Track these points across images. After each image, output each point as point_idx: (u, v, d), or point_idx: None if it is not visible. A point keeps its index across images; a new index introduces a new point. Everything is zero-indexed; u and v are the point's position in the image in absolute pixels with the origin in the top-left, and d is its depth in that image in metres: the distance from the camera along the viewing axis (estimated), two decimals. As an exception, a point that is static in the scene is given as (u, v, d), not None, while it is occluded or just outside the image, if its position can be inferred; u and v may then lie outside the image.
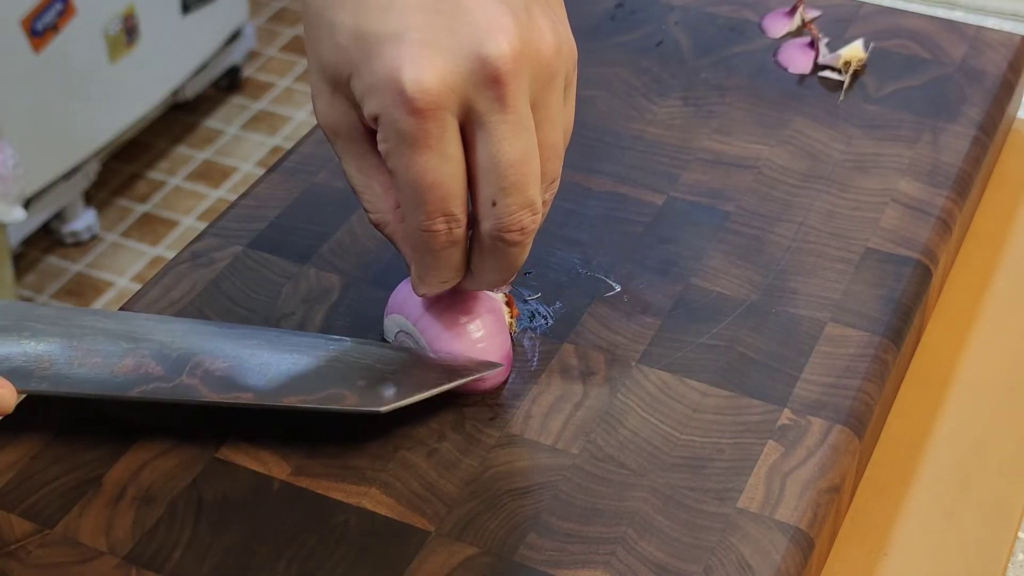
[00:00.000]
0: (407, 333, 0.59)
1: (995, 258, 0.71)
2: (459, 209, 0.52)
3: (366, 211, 0.56)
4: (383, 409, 0.55)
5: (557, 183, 0.54)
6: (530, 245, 0.54)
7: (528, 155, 0.51)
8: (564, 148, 0.54)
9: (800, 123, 0.72)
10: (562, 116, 0.53)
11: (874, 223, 0.66)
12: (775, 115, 0.73)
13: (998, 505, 0.59)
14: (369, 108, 0.51)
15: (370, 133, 0.54)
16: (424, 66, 0.49)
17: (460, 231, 0.52)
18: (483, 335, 0.58)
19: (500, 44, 0.49)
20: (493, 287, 0.56)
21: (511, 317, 0.60)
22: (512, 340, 0.60)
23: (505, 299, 0.60)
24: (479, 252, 0.54)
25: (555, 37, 0.51)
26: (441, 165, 0.51)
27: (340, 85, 0.53)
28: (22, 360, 0.55)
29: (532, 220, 0.52)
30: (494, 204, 0.52)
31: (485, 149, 0.51)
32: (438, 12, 0.50)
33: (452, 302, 0.58)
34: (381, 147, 0.51)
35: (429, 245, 0.53)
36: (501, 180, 0.51)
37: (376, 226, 0.56)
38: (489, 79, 0.50)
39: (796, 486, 0.54)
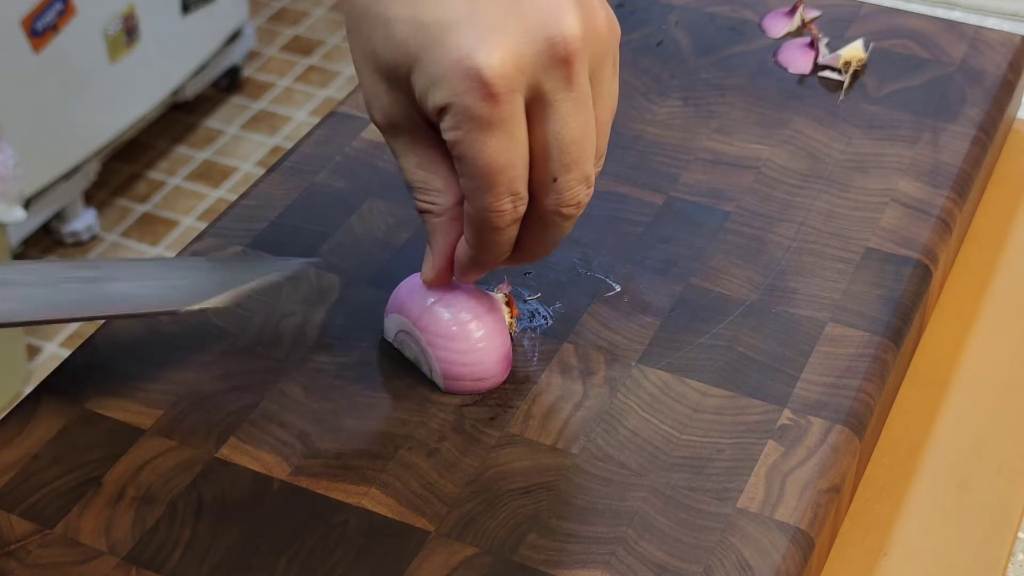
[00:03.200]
0: (407, 333, 0.59)
1: (995, 258, 0.71)
2: (524, 188, 0.52)
3: (425, 205, 0.55)
4: (182, 309, 0.57)
5: (603, 158, 0.55)
6: (572, 225, 0.54)
7: (588, 132, 0.52)
8: (611, 124, 0.55)
9: (800, 123, 0.72)
10: (612, 93, 0.54)
11: (874, 223, 0.66)
12: (775, 115, 0.73)
13: (998, 505, 0.59)
14: (436, 99, 0.51)
15: (431, 127, 0.54)
16: (495, 50, 0.49)
17: (523, 208, 0.53)
18: (483, 335, 0.58)
19: (570, 23, 0.50)
20: (536, 259, 0.56)
21: (511, 317, 0.60)
22: (512, 340, 0.60)
23: (505, 299, 0.60)
24: (532, 228, 0.54)
25: (607, 14, 0.52)
26: (513, 147, 0.51)
27: (398, 80, 0.52)
28: None
29: (587, 194, 0.53)
30: (555, 180, 0.52)
31: (550, 127, 0.51)
32: None
33: (452, 301, 0.58)
34: (451, 135, 0.51)
35: (494, 224, 0.53)
36: (563, 156, 0.52)
37: (428, 217, 0.56)
38: (559, 59, 0.50)
39: (796, 486, 0.54)
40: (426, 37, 0.50)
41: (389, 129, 0.55)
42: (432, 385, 0.58)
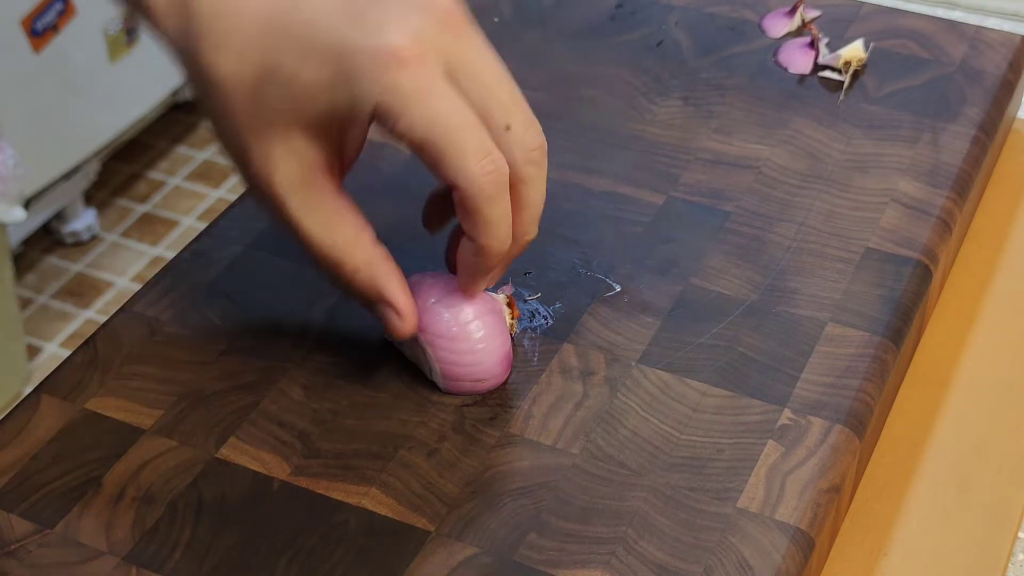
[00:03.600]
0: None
1: (995, 258, 0.71)
2: (492, 145, 0.53)
3: (334, 270, 0.56)
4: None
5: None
6: (545, 177, 0.55)
7: (506, 73, 0.54)
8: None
9: (800, 123, 0.72)
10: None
11: (874, 223, 0.66)
12: (775, 115, 0.73)
13: (998, 505, 0.59)
14: (366, 99, 0.51)
15: (329, 171, 0.55)
16: (392, 29, 0.51)
17: (506, 169, 0.53)
18: (484, 335, 0.58)
19: None
20: (528, 236, 0.56)
21: (512, 318, 0.60)
22: (512, 340, 0.60)
23: (506, 300, 0.60)
24: (512, 196, 0.54)
25: None
26: (457, 105, 0.52)
27: (304, 121, 0.53)
28: None
29: (543, 137, 0.54)
30: (508, 128, 0.53)
31: (474, 81, 0.53)
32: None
33: (453, 302, 0.58)
34: (398, 125, 0.51)
35: (488, 192, 0.53)
36: (499, 100, 0.53)
37: (347, 284, 0.56)
38: (439, 19, 0.52)
39: (796, 486, 0.54)
40: (326, 58, 0.52)
41: (287, 188, 0.54)
42: (432, 385, 0.58)
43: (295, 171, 0.54)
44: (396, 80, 0.51)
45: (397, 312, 0.56)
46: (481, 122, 0.53)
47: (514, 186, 0.54)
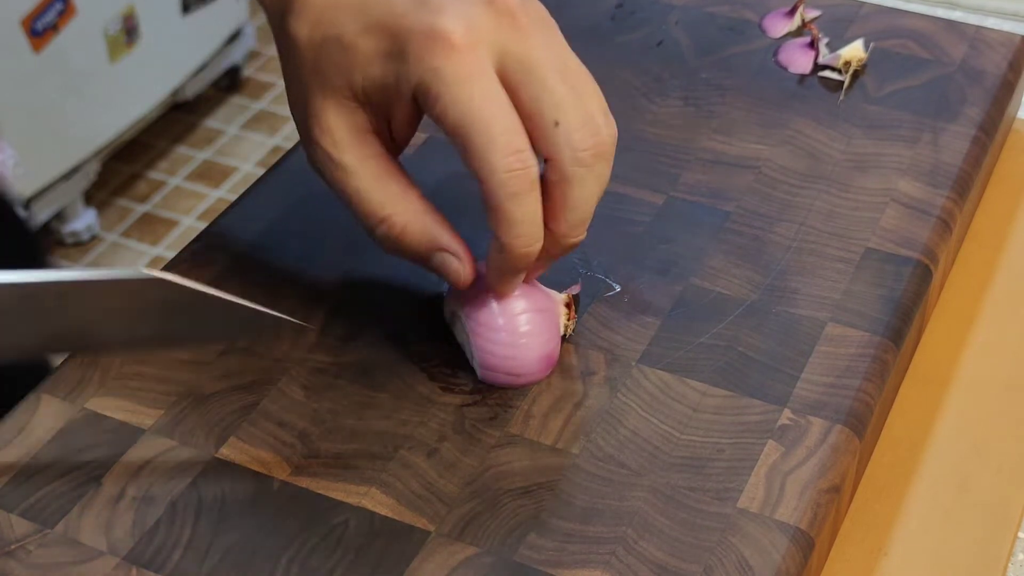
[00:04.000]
0: (458, 315, 0.59)
1: (995, 258, 0.71)
2: (525, 143, 0.53)
3: (384, 219, 0.56)
4: None
5: (612, 119, 0.55)
6: (602, 179, 0.55)
7: (563, 71, 0.54)
8: (592, 80, 0.56)
9: (800, 123, 0.72)
10: (576, 56, 0.55)
11: (874, 223, 0.66)
12: (775, 115, 0.73)
13: (998, 505, 0.59)
14: (411, 78, 0.53)
15: (380, 136, 0.56)
16: (448, 14, 0.52)
17: (535, 169, 0.53)
18: (528, 330, 0.57)
19: None
20: (574, 239, 0.56)
21: (568, 319, 0.59)
22: (563, 342, 0.59)
23: (566, 300, 0.59)
24: (556, 194, 0.54)
25: None
26: (493, 97, 0.52)
27: (375, 94, 0.55)
28: None
29: (600, 139, 0.54)
30: (557, 124, 0.53)
31: (526, 75, 0.53)
32: None
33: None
34: (435, 108, 0.52)
35: (510, 190, 0.53)
36: (551, 95, 0.53)
37: (399, 233, 0.56)
38: (503, 12, 0.53)
39: (796, 486, 0.54)
40: (384, 32, 0.53)
41: (339, 146, 0.56)
42: (432, 385, 0.58)
43: (347, 130, 0.56)
44: (440, 63, 0.52)
45: (456, 255, 0.56)
46: (519, 120, 0.53)
47: (557, 184, 0.54)
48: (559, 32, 0.56)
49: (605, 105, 0.55)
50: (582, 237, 0.56)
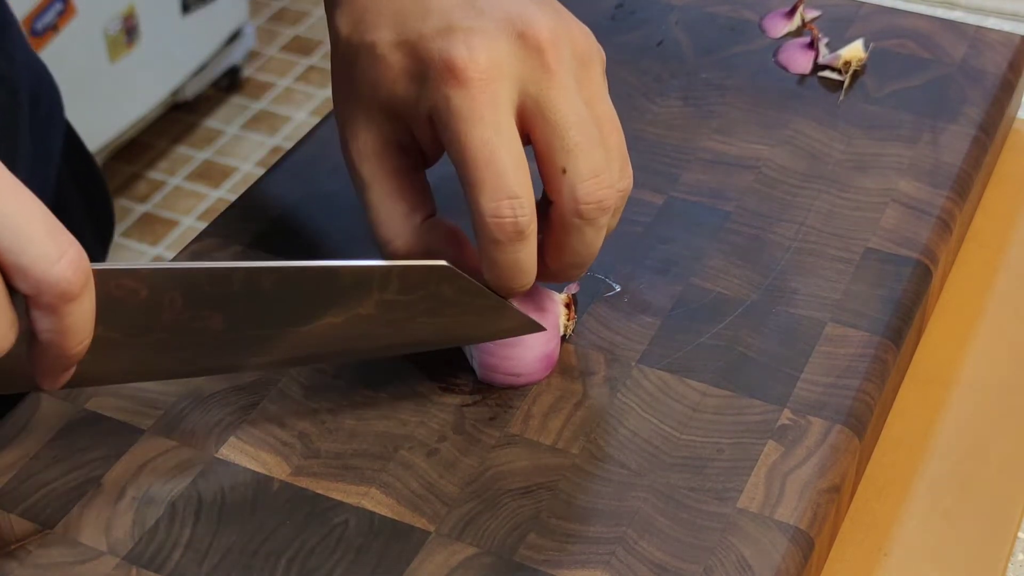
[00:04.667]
0: None
1: (995, 258, 0.71)
2: (522, 191, 0.52)
3: (387, 242, 0.56)
4: None
5: (628, 167, 0.55)
6: (605, 229, 0.54)
7: (583, 118, 0.53)
8: (619, 129, 0.55)
9: (800, 123, 0.72)
10: (604, 96, 0.55)
11: (874, 223, 0.66)
12: (775, 115, 0.73)
13: (998, 505, 0.59)
14: (426, 102, 0.53)
15: (402, 149, 0.56)
16: (472, 45, 0.52)
17: (526, 219, 0.52)
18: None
19: (538, 17, 0.53)
20: (568, 278, 0.56)
21: (568, 320, 0.59)
22: (563, 342, 0.60)
23: (565, 300, 0.59)
24: (554, 236, 0.54)
25: (582, 28, 0.55)
26: (498, 139, 0.52)
27: (395, 107, 0.55)
28: None
29: (607, 194, 0.53)
30: (564, 172, 0.52)
31: (543, 117, 0.52)
32: (472, 6, 0.53)
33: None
34: (443, 135, 0.53)
35: (494, 235, 0.52)
36: (564, 142, 0.52)
37: (402, 257, 0.56)
38: (532, 48, 0.52)
39: (796, 486, 0.54)
40: (415, 52, 0.53)
41: (362, 155, 0.56)
42: (432, 385, 0.58)
43: (372, 142, 0.56)
44: (453, 94, 0.52)
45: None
46: (522, 164, 0.52)
47: (556, 229, 0.54)
48: (598, 70, 0.55)
49: (625, 156, 0.55)
50: (579, 277, 0.56)
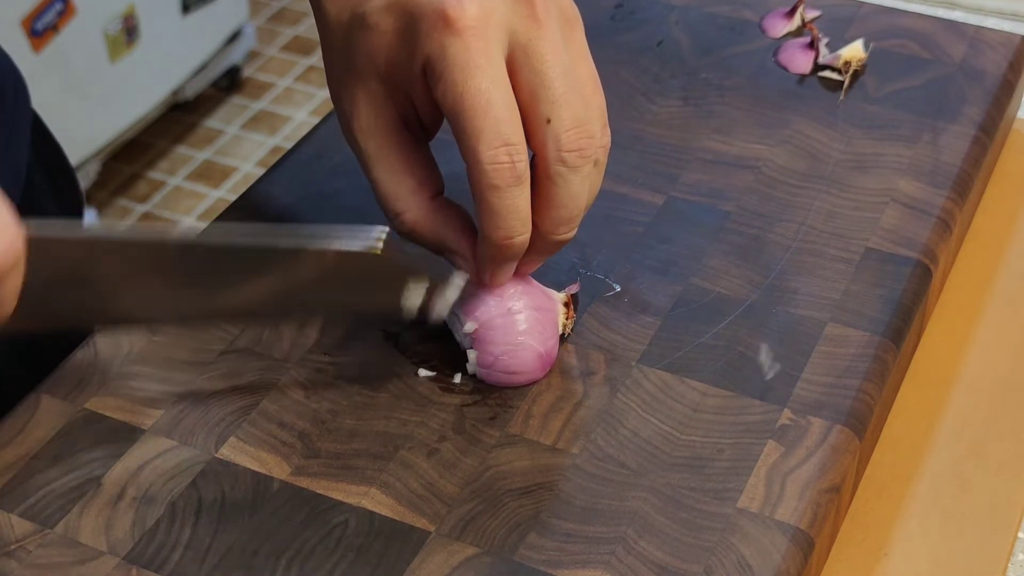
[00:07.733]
0: (457, 316, 0.58)
1: (995, 258, 0.71)
2: (516, 137, 0.53)
3: (396, 214, 0.57)
4: None
5: (608, 133, 0.56)
6: (588, 181, 0.55)
7: (569, 70, 0.54)
8: (599, 88, 0.56)
9: (800, 123, 0.72)
10: (587, 56, 0.56)
11: (874, 223, 0.66)
12: (775, 115, 0.73)
13: (998, 505, 0.59)
14: (421, 54, 0.53)
15: (405, 123, 0.57)
16: None
17: (523, 164, 0.53)
18: (526, 329, 0.57)
19: None
20: (559, 240, 0.56)
21: (566, 318, 0.59)
22: (562, 342, 0.60)
23: (564, 299, 0.59)
24: (541, 191, 0.54)
25: None
26: (492, 87, 0.52)
27: (396, 73, 0.55)
28: None
29: (589, 143, 0.54)
30: (548, 121, 0.53)
31: (529, 66, 0.53)
32: None
33: (505, 291, 0.57)
34: (436, 88, 0.53)
35: (493, 182, 0.53)
36: (549, 92, 0.53)
37: (409, 230, 0.57)
38: (526, 2, 0.53)
39: (796, 486, 0.54)
40: (408, 10, 0.54)
41: (366, 133, 0.57)
42: (432, 385, 0.58)
43: (373, 118, 0.57)
44: (446, 44, 0.52)
45: (461, 256, 0.57)
46: (516, 111, 0.53)
47: (542, 181, 0.54)
48: (581, 33, 0.56)
49: (605, 116, 0.56)
50: (569, 236, 0.56)
